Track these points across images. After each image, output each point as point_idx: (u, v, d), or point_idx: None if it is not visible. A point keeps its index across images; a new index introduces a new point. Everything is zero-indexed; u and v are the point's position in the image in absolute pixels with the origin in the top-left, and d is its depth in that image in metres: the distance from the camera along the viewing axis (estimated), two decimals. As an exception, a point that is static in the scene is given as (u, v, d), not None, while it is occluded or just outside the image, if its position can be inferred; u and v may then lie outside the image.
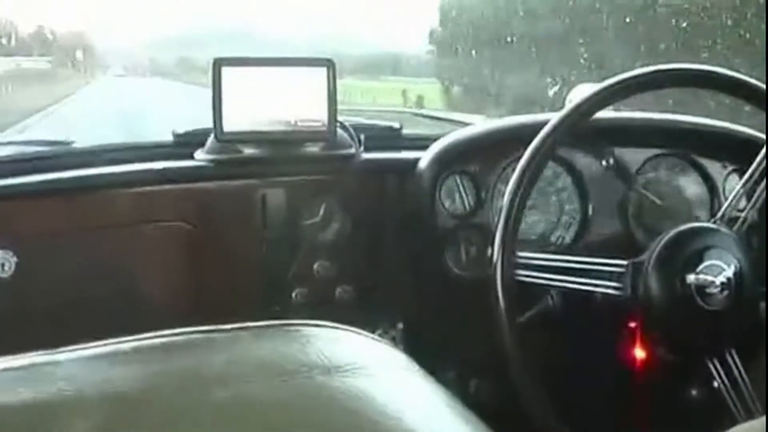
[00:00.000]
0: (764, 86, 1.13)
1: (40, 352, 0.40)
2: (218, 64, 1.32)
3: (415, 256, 1.39)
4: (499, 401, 1.28)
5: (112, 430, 0.34)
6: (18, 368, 0.40)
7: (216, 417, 0.35)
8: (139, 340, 0.41)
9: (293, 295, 1.38)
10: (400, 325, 1.42)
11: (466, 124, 1.50)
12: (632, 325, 1.14)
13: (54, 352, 0.40)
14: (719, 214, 1.18)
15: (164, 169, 1.36)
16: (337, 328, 0.45)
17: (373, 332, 1.47)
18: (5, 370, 0.40)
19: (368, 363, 0.41)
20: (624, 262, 1.11)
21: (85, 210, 1.31)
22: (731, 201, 1.17)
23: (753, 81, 1.13)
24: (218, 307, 1.32)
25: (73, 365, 0.39)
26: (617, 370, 1.18)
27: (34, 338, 0.47)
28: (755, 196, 1.16)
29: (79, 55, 11.61)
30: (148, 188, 1.33)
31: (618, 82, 1.13)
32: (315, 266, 1.38)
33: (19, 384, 0.38)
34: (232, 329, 0.43)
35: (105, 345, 0.41)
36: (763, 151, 1.16)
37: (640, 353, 1.16)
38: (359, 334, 0.45)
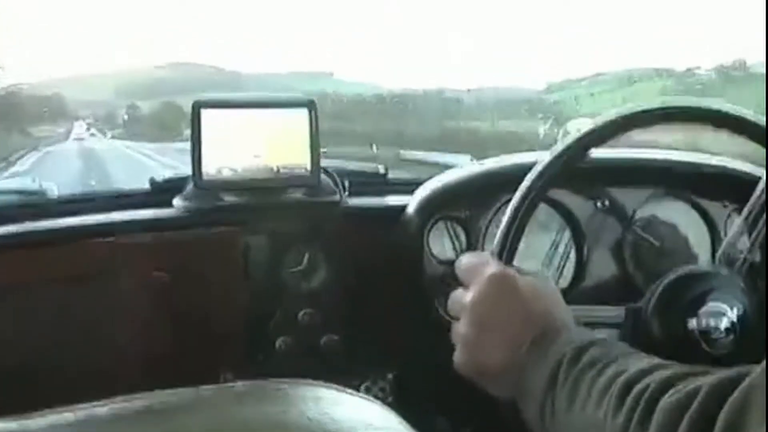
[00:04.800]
0: None
1: (8, 418, 0.37)
2: (197, 106, 1.28)
3: (404, 303, 1.35)
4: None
5: None
6: None
7: None
8: (115, 404, 0.38)
9: (277, 344, 1.33)
10: (390, 376, 1.38)
11: (451, 166, 1.46)
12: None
13: (24, 417, 0.37)
14: (719, 255, 1.13)
15: (141, 218, 1.32)
16: (323, 386, 0.42)
17: (362, 383, 1.44)
18: None
19: (357, 425, 0.38)
20: (622, 309, 1.07)
21: (56, 261, 1.26)
22: (730, 240, 1.13)
23: (755, 118, 1.10)
24: (200, 359, 1.28)
25: None
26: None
27: (1, 401, 0.44)
28: (755, 233, 1.12)
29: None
30: (124, 238, 1.29)
31: (612, 121, 1.09)
32: (299, 315, 1.34)
33: None
34: (212, 391, 0.40)
35: (79, 410, 0.37)
36: (761, 185, 1.12)
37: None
38: (348, 393, 0.42)
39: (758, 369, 0.53)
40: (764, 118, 1.09)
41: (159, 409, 0.38)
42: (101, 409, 0.37)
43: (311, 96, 1.35)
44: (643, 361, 0.65)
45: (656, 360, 0.66)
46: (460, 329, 0.81)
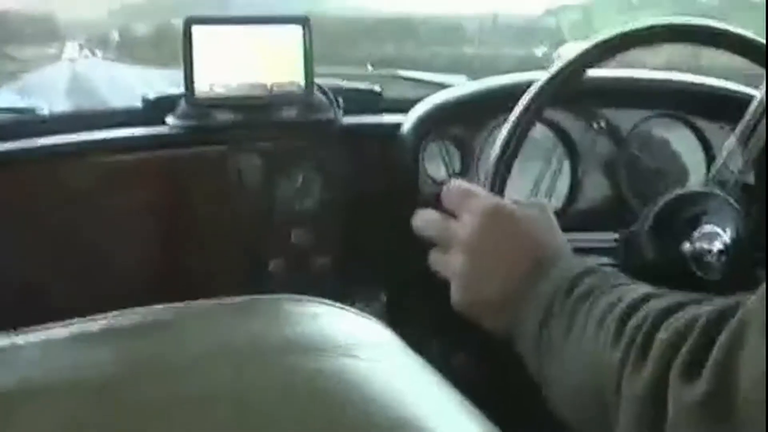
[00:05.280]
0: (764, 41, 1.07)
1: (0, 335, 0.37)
2: (188, 23, 1.26)
3: (398, 224, 1.34)
4: (484, 375, 1.24)
5: (79, 421, 0.31)
6: None
7: (186, 408, 0.32)
8: (108, 320, 0.38)
9: (270, 266, 1.33)
10: (384, 297, 1.38)
11: (447, 86, 1.44)
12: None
13: (16, 333, 0.37)
14: (712, 176, 1.13)
15: (132, 136, 1.30)
16: (319, 302, 0.41)
17: (353, 303, 1.44)
18: None
19: (355, 343, 0.37)
20: (616, 235, 1.07)
21: (48, 180, 1.25)
22: (723, 161, 1.12)
23: (754, 37, 1.08)
24: (192, 277, 1.28)
25: (37, 349, 0.36)
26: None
27: None
28: (746, 153, 1.11)
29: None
30: (115, 155, 1.28)
31: (609, 39, 1.07)
32: (292, 236, 1.33)
33: None
34: (205, 306, 0.40)
35: (72, 325, 0.37)
36: (753, 104, 1.10)
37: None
38: (344, 309, 0.42)
39: (754, 298, 0.53)
40: (764, 39, 1.07)
41: (151, 324, 0.38)
42: (93, 324, 0.37)
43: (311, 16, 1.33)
44: (637, 291, 0.64)
45: (650, 289, 0.66)
46: (454, 262, 0.80)
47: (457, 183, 0.89)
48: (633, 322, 0.60)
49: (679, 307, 0.59)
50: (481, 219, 0.79)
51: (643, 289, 0.65)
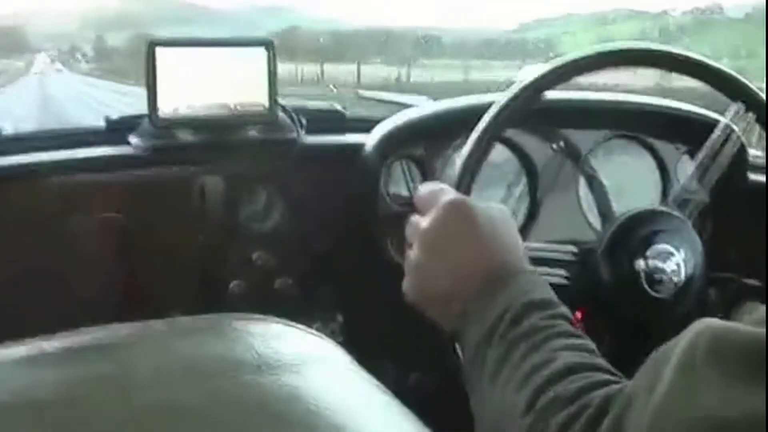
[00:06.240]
0: (720, 67, 1.10)
1: None
2: (152, 45, 1.26)
3: (357, 244, 1.35)
4: (439, 396, 1.25)
5: None
6: None
7: (142, 425, 0.32)
8: (64, 339, 0.38)
9: (230, 286, 1.33)
10: (340, 317, 1.39)
11: (410, 106, 1.45)
12: (582, 312, 1.11)
13: None
14: (670, 197, 1.15)
15: (95, 156, 1.30)
16: (271, 321, 0.42)
17: (312, 324, 1.44)
18: None
19: (304, 360, 0.38)
20: (573, 249, 1.08)
21: (8, 200, 1.24)
22: (682, 183, 1.15)
23: (710, 61, 1.10)
24: (152, 300, 1.27)
25: None
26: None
27: None
28: (706, 177, 1.13)
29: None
30: (79, 176, 1.28)
31: (567, 63, 1.09)
32: (254, 257, 1.34)
33: None
34: (162, 325, 0.40)
35: (28, 345, 0.37)
36: (718, 129, 1.13)
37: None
38: (295, 327, 0.42)
39: (637, 375, 0.55)
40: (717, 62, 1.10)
41: (106, 343, 0.38)
42: (49, 345, 0.37)
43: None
44: (563, 360, 0.65)
45: (586, 354, 0.66)
46: (411, 255, 0.81)
47: (427, 184, 0.89)
48: (543, 400, 0.62)
49: (592, 387, 0.60)
50: (441, 212, 0.79)
51: (570, 357, 0.65)
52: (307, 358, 0.39)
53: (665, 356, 0.52)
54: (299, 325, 0.43)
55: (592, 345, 0.68)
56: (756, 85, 1.10)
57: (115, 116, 1.39)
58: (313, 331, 0.43)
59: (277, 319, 0.42)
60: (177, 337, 0.40)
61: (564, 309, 0.72)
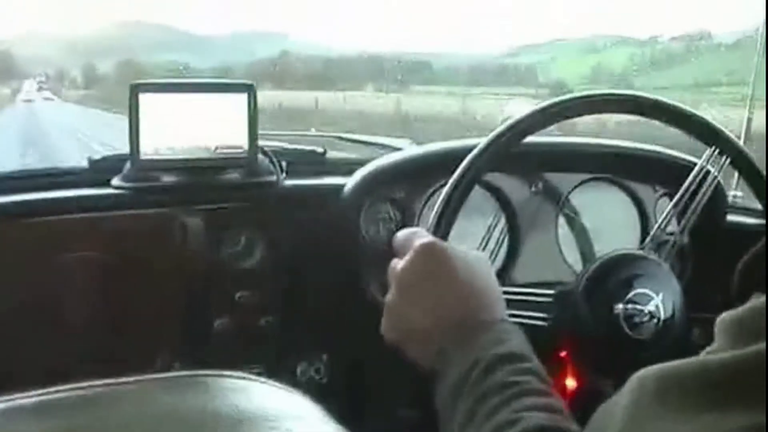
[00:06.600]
0: (704, 117, 1.11)
1: None
2: (135, 89, 1.28)
3: (338, 285, 1.35)
4: (427, 430, 1.25)
5: None
6: None
7: None
8: (42, 395, 0.39)
9: (215, 325, 1.34)
10: (325, 357, 1.39)
11: (392, 149, 1.46)
12: (562, 354, 1.11)
13: None
14: (648, 240, 1.16)
15: (78, 197, 1.31)
16: (244, 377, 0.43)
17: (297, 364, 1.44)
18: None
19: (283, 415, 0.39)
20: (551, 292, 1.08)
21: None
22: (660, 225, 1.15)
23: (692, 111, 1.12)
24: (137, 340, 1.27)
25: None
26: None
27: None
28: (684, 219, 1.14)
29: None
30: (61, 217, 1.28)
31: (548, 107, 1.10)
32: (237, 296, 1.34)
33: None
34: (138, 381, 0.41)
35: (7, 401, 0.38)
36: (695, 171, 1.14)
37: (570, 382, 1.13)
38: (268, 384, 0.43)
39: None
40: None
41: (84, 400, 0.39)
42: (28, 400, 0.38)
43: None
44: (540, 415, 0.65)
45: (555, 416, 0.65)
46: (388, 296, 0.82)
47: (405, 229, 0.90)
48: None
49: None
50: (415, 255, 0.80)
51: (536, 419, 0.65)
52: (286, 414, 0.40)
53: (611, 409, 0.53)
54: (273, 382, 0.43)
55: (560, 404, 0.68)
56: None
57: (97, 156, 1.39)
58: (287, 387, 0.44)
59: (250, 376, 0.43)
60: (153, 391, 0.41)
61: (536, 363, 0.72)
